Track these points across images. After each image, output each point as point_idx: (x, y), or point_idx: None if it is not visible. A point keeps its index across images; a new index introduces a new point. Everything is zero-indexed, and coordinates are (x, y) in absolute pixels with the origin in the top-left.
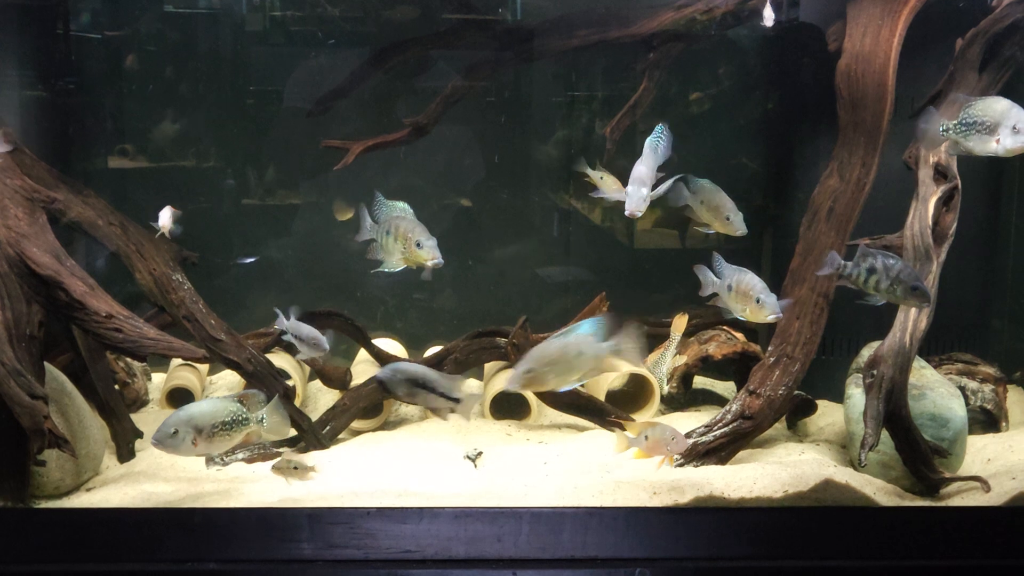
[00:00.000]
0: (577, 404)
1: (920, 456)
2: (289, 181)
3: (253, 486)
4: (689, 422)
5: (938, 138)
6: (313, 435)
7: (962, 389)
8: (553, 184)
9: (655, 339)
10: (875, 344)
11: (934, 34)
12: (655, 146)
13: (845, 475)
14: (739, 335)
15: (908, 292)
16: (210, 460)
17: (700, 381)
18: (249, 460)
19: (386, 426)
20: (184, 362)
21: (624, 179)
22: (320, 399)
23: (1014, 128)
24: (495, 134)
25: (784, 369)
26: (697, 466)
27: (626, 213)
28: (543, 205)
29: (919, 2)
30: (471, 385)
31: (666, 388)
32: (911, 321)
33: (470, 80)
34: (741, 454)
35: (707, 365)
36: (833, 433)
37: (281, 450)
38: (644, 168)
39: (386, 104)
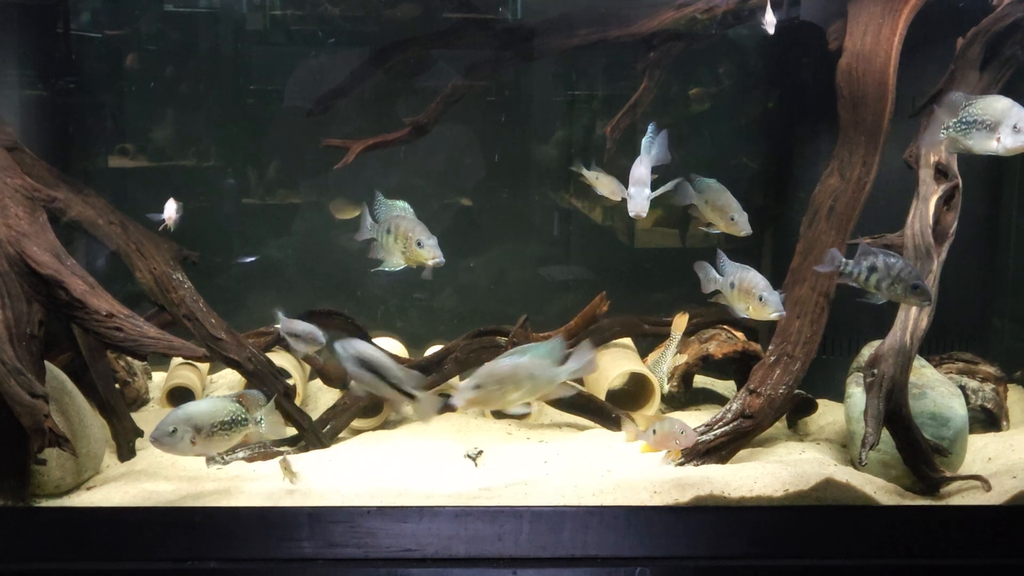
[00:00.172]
0: (578, 403)
1: (921, 455)
2: (289, 180)
3: (254, 485)
4: (690, 421)
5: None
6: (313, 434)
7: (963, 388)
8: (554, 183)
9: (656, 338)
10: (876, 343)
11: (935, 33)
12: (648, 146)
13: (846, 474)
14: (739, 334)
15: (909, 291)
16: (210, 459)
17: (700, 380)
18: (249, 459)
19: (386, 425)
20: (184, 361)
21: (625, 178)
22: (320, 398)
23: (1015, 127)
24: (495, 133)
25: (785, 368)
26: (698, 465)
27: (631, 215)
28: (543, 204)
29: (920, 1)
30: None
31: (666, 387)
32: (912, 320)
33: (470, 79)
34: (741, 453)
35: (708, 364)
36: (834, 432)
37: (282, 449)
38: (644, 169)
39: (386, 103)
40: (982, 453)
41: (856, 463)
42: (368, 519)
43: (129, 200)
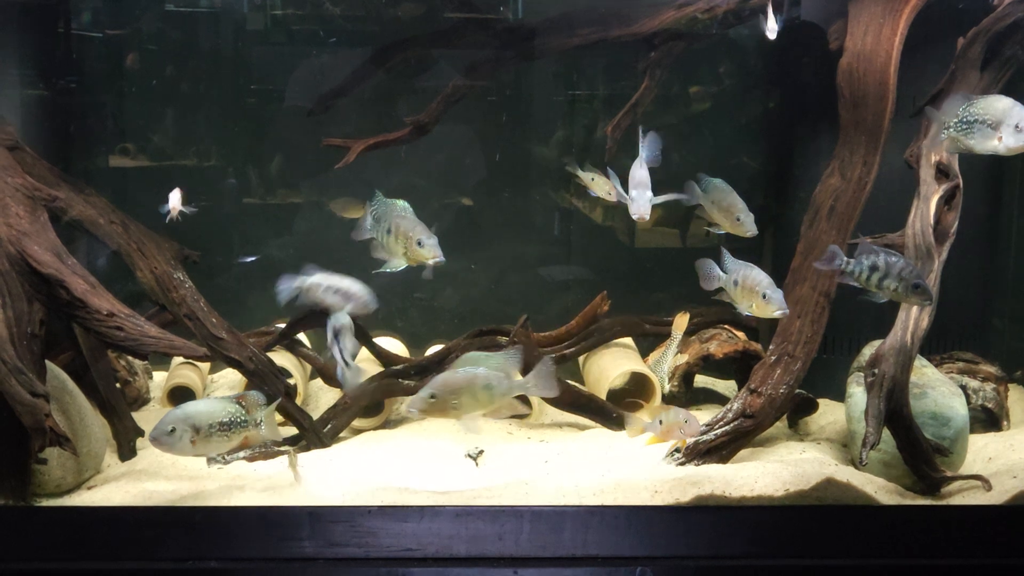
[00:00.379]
0: (579, 403)
1: (921, 455)
2: (290, 180)
3: (254, 484)
4: None
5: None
6: (314, 433)
7: (963, 388)
8: (554, 183)
9: (656, 338)
10: (876, 343)
11: (936, 33)
12: (641, 149)
13: (846, 474)
14: (740, 334)
15: (910, 290)
16: (211, 459)
17: (701, 380)
18: (250, 459)
19: (387, 425)
20: (185, 360)
21: (626, 178)
22: (321, 397)
23: (1016, 127)
24: (496, 133)
25: (785, 368)
26: (698, 465)
27: (634, 217)
28: (544, 204)
29: (920, 1)
30: None
31: (667, 387)
32: (912, 320)
33: (471, 79)
34: (742, 453)
35: (708, 364)
36: (834, 432)
37: (283, 448)
38: (644, 171)
39: (387, 103)
40: (983, 453)
41: (857, 463)
42: (369, 518)
43: (130, 199)
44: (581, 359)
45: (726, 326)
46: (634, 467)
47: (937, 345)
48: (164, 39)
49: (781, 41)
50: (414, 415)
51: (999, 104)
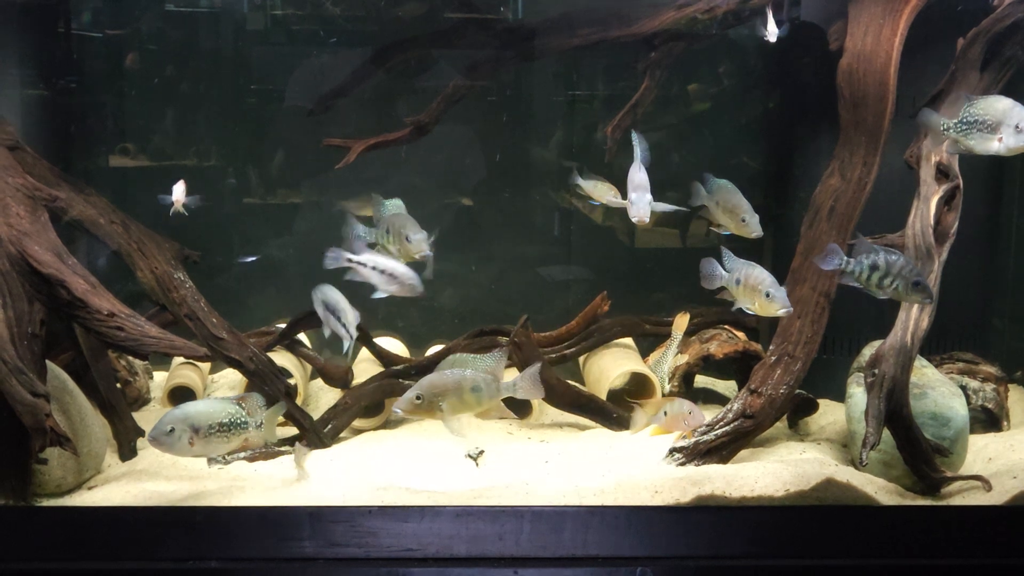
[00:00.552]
0: (579, 403)
1: (921, 455)
2: (290, 180)
3: (255, 484)
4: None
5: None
6: (315, 434)
7: (963, 388)
8: (554, 183)
9: (656, 338)
10: (876, 343)
11: (935, 33)
12: (641, 151)
13: (846, 474)
14: (740, 334)
15: (910, 288)
16: (212, 459)
17: (701, 380)
18: (251, 459)
19: (388, 425)
20: (186, 361)
21: (625, 178)
22: (321, 397)
23: (1016, 127)
24: (496, 133)
25: (785, 368)
26: (698, 465)
27: (634, 220)
28: (544, 204)
29: (920, 1)
30: None
31: (667, 387)
32: (912, 320)
33: (471, 79)
34: (742, 453)
35: (708, 364)
36: (834, 432)
37: (283, 448)
38: (643, 174)
39: (387, 103)
40: (983, 453)
41: (857, 463)
42: (369, 519)
43: (130, 199)
44: (581, 359)
45: (726, 326)
46: (634, 467)
47: (937, 345)
48: (164, 39)
49: (781, 42)
50: (399, 416)
51: (999, 105)
